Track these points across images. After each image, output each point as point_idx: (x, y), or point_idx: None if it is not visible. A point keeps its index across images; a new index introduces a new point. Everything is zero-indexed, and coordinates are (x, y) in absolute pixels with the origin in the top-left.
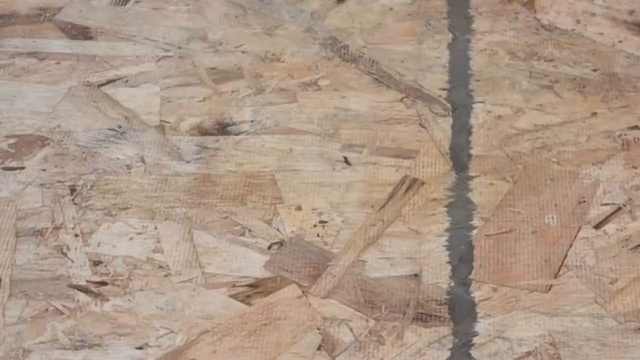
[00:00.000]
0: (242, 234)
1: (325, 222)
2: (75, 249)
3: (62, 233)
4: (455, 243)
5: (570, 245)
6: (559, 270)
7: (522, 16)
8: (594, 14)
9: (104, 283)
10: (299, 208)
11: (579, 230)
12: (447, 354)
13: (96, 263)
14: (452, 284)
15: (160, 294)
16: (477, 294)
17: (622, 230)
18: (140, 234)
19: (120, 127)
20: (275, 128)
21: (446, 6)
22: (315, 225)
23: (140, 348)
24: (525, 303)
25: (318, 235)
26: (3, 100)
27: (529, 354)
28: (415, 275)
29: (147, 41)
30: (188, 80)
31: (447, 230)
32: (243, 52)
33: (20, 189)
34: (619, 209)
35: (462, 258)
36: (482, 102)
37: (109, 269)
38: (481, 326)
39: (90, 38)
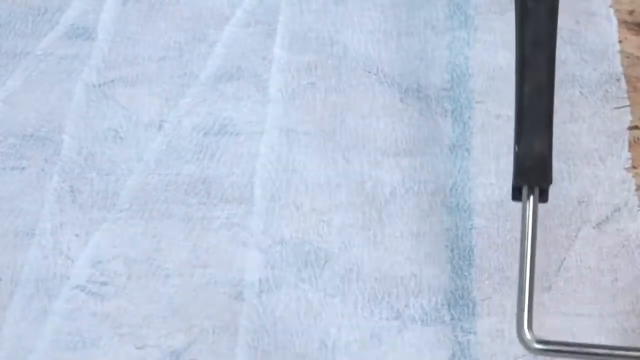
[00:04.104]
0: (242, 234)
1: (324, 221)
2: (75, 249)
3: (62, 233)
4: (456, 243)
5: (570, 245)
6: (559, 270)
7: None
8: (594, 14)
9: (104, 283)
10: (299, 208)
11: (579, 231)
12: (447, 353)
13: (96, 263)
14: (452, 284)
15: (161, 294)
16: (477, 294)
17: (622, 230)
18: (140, 233)
19: (120, 127)
20: (275, 127)
21: (446, 6)
22: (315, 225)
23: (140, 348)
24: None
25: (318, 235)
26: (3, 101)
27: (529, 353)
28: (415, 275)
29: (147, 41)
30: (188, 80)
31: (447, 230)
32: (243, 52)
33: (20, 189)
34: (619, 209)
35: (462, 258)
36: (482, 102)
37: (109, 269)
38: (481, 326)
39: (90, 38)
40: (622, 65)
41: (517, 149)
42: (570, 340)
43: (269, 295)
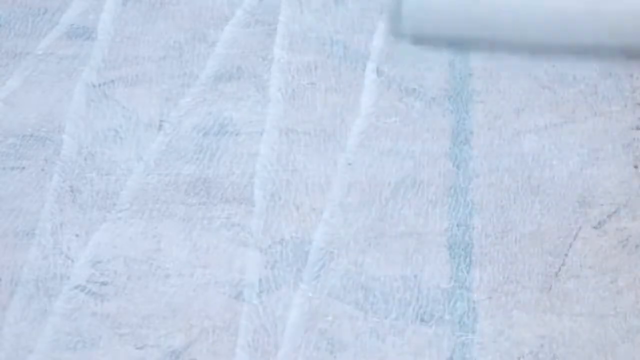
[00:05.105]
0: (242, 234)
1: (324, 221)
2: (75, 249)
3: (62, 233)
4: (455, 243)
5: (570, 246)
6: (559, 270)
7: None
8: None
9: (104, 283)
10: (299, 208)
11: (579, 230)
12: (447, 353)
13: (96, 263)
14: (452, 284)
15: (160, 294)
16: (477, 294)
17: (622, 230)
18: (140, 233)
19: (120, 127)
20: (275, 128)
21: None
22: (314, 225)
23: (140, 348)
24: (526, 303)
25: (318, 235)
26: (3, 101)
27: (529, 353)
28: (415, 275)
29: (147, 41)
30: (188, 80)
31: (447, 230)
32: (243, 52)
33: (20, 189)
34: (619, 209)
35: (462, 258)
36: (482, 102)
37: (109, 269)
38: (481, 326)
39: (90, 38)
40: (622, 65)
41: None
42: None
43: (269, 295)
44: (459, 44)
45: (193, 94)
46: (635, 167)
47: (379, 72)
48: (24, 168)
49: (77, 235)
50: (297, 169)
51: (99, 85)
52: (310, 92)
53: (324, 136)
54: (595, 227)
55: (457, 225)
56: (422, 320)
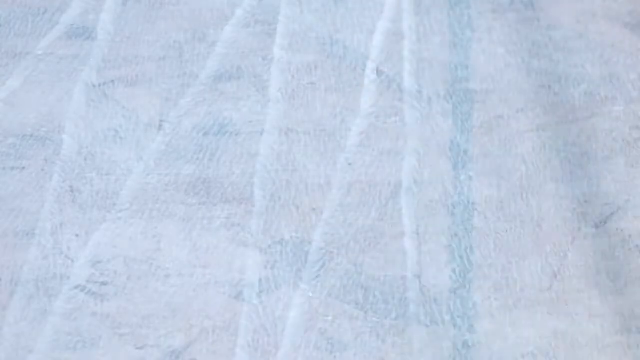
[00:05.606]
0: (242, 234)
1: (324, 221)
2: (75, 249)
3: (62, 233)
4: (456, 243)
5: (570, 245)
6: (559, 270)
7: (522, 16)
8: (594, 14)
9: (104, 283)
10: (299, 208)
11: (579, 231)
12: (447, 353)
13: (96, 263)
14: (452, 284)
15: (161, 294)
16: (477, 294)
17: (622, 230)
18: (140, 233)
19: (120, 127)
20: (275, 128)
21: (446, 6)
22: (314, 225)
23: (140, 348)
24: (526, 303)
25: (318, 235)
26: (3, 101)
27: (529, 353)
28: (415, 275)
29: (147, 41)
30: (188, 80)
31: (447, 230)
32: (243, 52)
33: (20, 189)
34: (619, 209)
35: (462, 258)
36: (482, 102)
37: (109, 269)
38: (481, 326)
39: (90, 38)
40: (622, 65)
41: None
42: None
43: (269, 295)
44: None
45: (193, 94)
46: (635, 167)
47: (379, 72)
48: (24, 168)
49: (77, 235)
50: (297, 169)
51: (99, 85)
52: (310, 92)
53: (324, 136)
54: (595, 227)
55: (457, 225)
56: (422, 320)
